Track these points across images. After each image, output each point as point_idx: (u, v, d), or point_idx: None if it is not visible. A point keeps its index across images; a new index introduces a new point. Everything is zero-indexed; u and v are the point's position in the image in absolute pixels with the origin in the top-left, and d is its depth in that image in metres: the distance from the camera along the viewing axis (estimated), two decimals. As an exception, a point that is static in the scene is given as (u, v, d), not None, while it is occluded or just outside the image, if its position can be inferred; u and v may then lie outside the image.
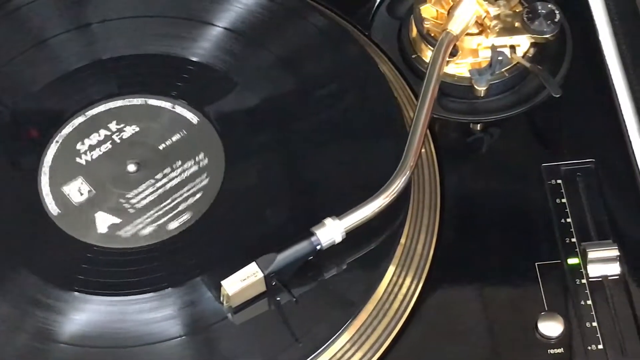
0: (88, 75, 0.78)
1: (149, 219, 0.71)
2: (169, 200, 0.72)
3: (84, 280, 0.68)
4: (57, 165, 0.74)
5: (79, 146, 0.75)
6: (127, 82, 0.77)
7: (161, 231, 0.70)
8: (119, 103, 0.77)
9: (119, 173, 0.73)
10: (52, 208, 0.72)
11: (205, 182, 0.73)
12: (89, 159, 0.74)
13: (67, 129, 0.76)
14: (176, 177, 0.73)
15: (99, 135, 0.75)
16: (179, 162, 0.74)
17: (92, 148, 0.74)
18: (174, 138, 0.75)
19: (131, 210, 0.71)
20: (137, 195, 0.72)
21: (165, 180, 0.73)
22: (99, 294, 0.68)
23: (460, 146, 0.78)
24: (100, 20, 0.80)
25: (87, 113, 0.76)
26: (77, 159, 0.74)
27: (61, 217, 0.71)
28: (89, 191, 0.72)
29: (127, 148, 0.75)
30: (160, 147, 0.75)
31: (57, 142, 0.75)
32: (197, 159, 0.74)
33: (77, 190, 0.73)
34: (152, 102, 0.77)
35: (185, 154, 0.74)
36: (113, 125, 0.76)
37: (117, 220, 0.71)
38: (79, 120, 0.76)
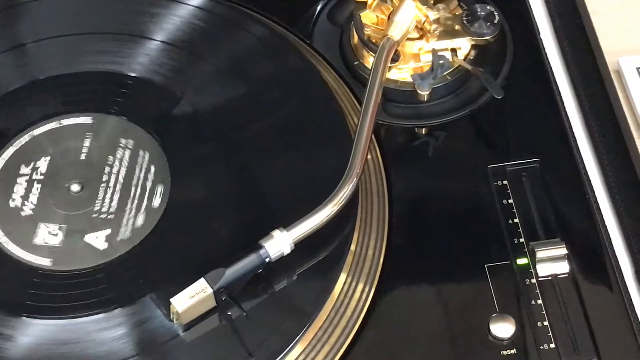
0: (25, 97, 0.77)
1: (97, 239, 0.70)
2: (112, 219, 0.71)
3: (32, 304, 0.67)
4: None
5: (22, 169, 0.74)
6: (66, 101, 0.76)
7: (107, 250, 0.70)
8: (58, 123, 0.76)
9: (63, 193, 0.72)
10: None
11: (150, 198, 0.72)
12: (33, 179, 0.73)
13: (8, 152, 0.74)
14: (120, 193, 0.72)
15: (42, 156, 0.74)
16: (123, 179, 0.73)
17: (35, 169, 0.73)
18: (117, 155, 0.74)
19: (78, 233, 0.70)
20: (81, 214, 0.71)
21: (109, 197, 0.72)
22: (47, 318, 0.67)
23: (406, 151, 0.78)
24: (35, 40, 0.79)
25: (27, 135, 0.75)
26: (22, 181, 0.73)
27: (6, 240, 0.70)
28: (33, 213, 0.71)
29: (69, 168, 0.74)
30: (102, 165, 0.74)
31: (-3, 165, 0.74)
32: (142, 175, 0.73)
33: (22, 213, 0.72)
34: (93, 120, 0.76)
35: (130, 172, 0.73)
36: (55, 145, 0.75)
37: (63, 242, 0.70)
38: (20, 142, 0.75)
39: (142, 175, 0.73)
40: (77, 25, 0.80)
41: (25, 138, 0.75)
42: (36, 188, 0.73)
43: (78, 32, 0.79)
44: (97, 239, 0.70)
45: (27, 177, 0.73)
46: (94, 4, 0.81)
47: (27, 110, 0.76)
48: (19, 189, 0.73)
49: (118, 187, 0.73)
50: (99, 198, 0.72)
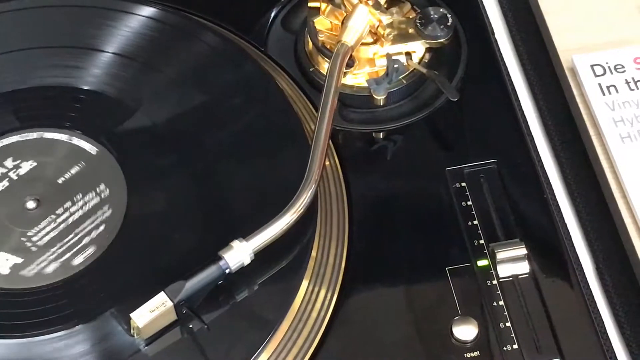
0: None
1: (53, 256, 0.69)
2: (71, 235, 0.70)
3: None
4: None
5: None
6: (20, 117, 0.76)
7: (66, 267, 0.69)
8: (13, 139, 0.75)
9: (18, 211, 0.72)
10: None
11: (108, 213, 0.71)
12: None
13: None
14: (77, 210, 0.72)
15: (-4, 173, 0.74)
16: (80, 195, 0.72)
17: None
18: (73, 170, 0.73)
19: (33, 249, 0.70)
20: (38, 232, 0.71)
21: (66, 214, 0.71)
22: (7, 337, 0.66)
23: (364, 156, 0.78)
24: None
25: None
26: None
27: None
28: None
29: (25, 184, 0.73)
30: (59, 181, 0.73)
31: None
32: (98, 190, 0.72)
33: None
34: (48, 135, 0.75)
35: (86, 186, 0.72)
36: (9, 162, 0.74)
37: (20, 260, 0.69)
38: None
39: (98, 189, 0.72)
40: (27, 40, 0.79)
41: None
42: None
43: (28, 47, 0.78)
44: (56, 256, 0.69)
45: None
46: (44, 18, 0.80)
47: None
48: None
49: (74, 202, 0.72)
50: (55, 214, 0.71)
